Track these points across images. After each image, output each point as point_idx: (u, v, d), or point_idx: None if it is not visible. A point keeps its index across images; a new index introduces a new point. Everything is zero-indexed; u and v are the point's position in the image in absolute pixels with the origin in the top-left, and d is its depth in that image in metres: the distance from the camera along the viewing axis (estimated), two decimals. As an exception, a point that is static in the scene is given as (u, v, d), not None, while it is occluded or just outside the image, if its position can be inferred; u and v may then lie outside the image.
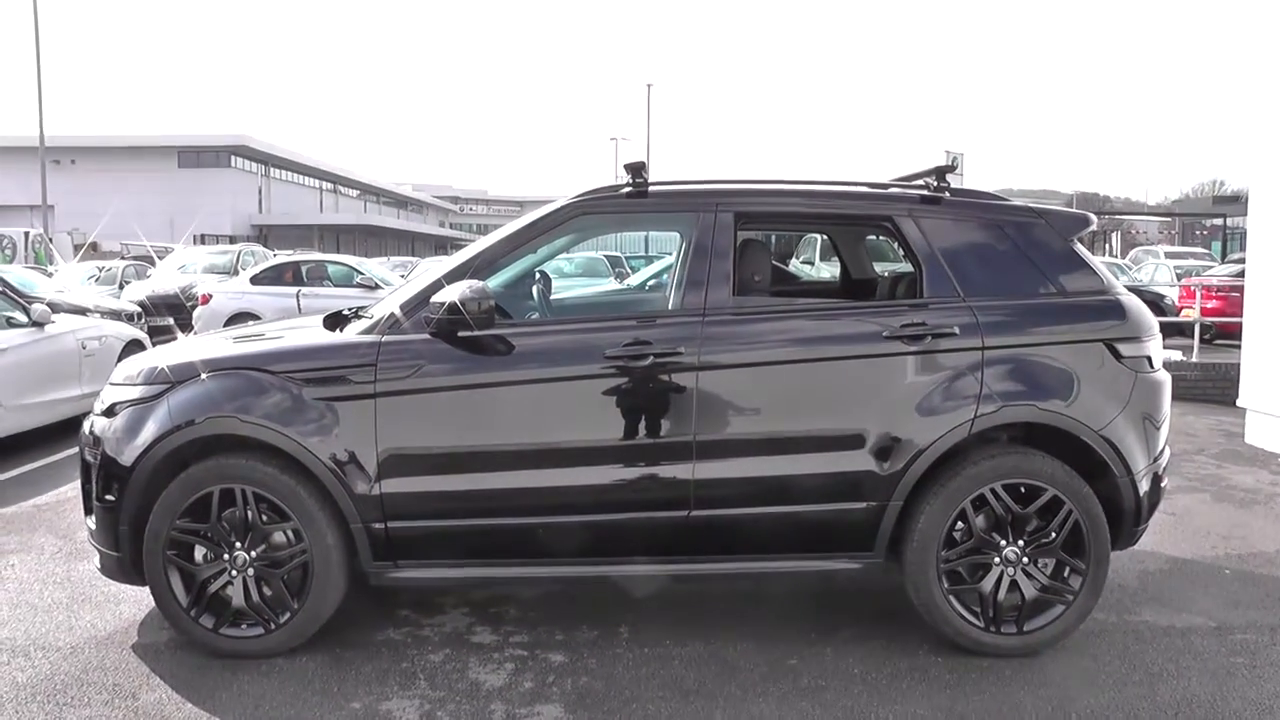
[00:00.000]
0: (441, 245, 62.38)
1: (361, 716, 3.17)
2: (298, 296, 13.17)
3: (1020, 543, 3.55)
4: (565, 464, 3.53)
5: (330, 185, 64.32)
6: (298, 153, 57.13)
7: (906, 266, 3.90)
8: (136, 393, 3.66)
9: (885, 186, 3.96)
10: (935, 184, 3.80)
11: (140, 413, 3.60)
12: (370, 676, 3.45)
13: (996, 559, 3.56)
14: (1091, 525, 3.54)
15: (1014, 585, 3.56)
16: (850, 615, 4.02)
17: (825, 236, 4.41)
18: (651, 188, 3.77)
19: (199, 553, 3.61)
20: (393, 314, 3.64)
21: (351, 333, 3.70)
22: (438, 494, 3.53)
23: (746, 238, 3.83)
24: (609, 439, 3.52)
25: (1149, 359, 3.69)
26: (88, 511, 3.83)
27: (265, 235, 44.69)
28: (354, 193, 68.62)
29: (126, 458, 3.56)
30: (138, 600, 4.15)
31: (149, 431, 3.55)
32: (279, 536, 3.55)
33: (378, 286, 13.55)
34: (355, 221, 59.07)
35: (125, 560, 3.62)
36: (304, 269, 14.45)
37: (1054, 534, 3.54)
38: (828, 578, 4.11)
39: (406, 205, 78.91)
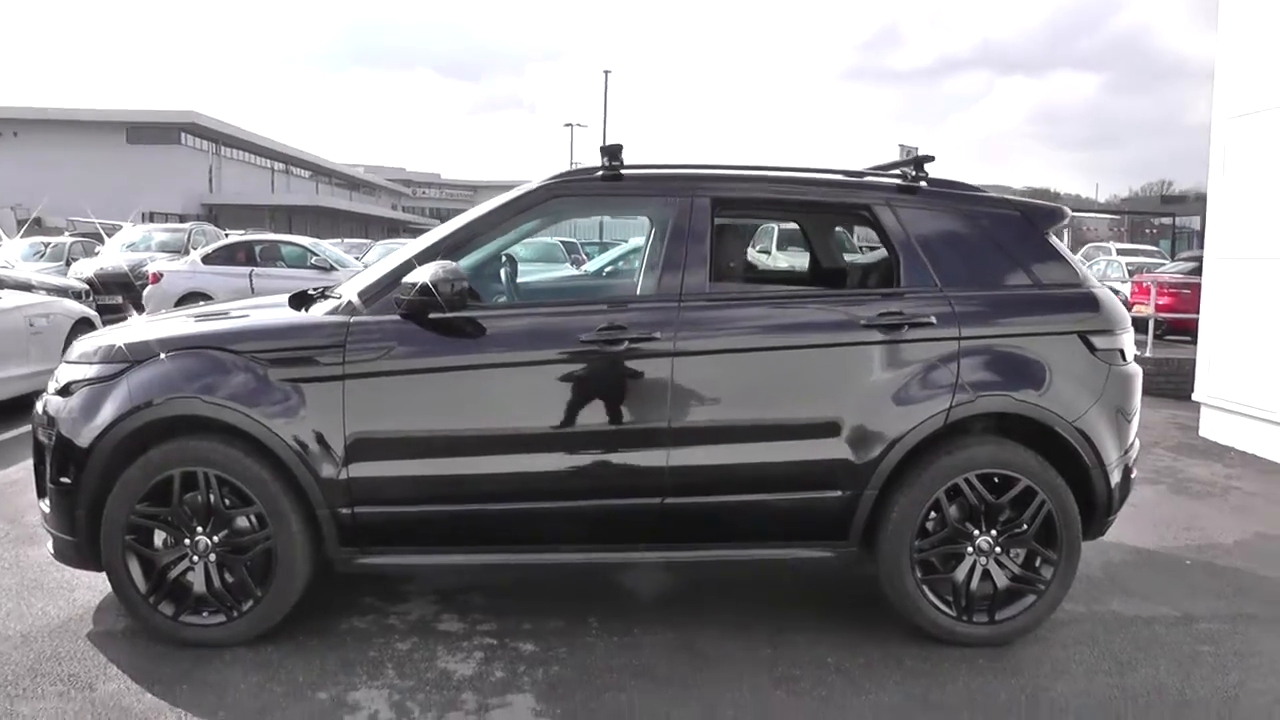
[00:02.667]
0: (394, 228, 61.54)
1: (329, 707, 3.09)
2: (250, 277, 12.92)
3: (993, 532, 3.56)
4: (537, 449, 3.47)
5: (282, 165, 63.16)
6: (249, 131, 56.00)
7: (870, 257, 3.90)
8: (93, 371, 3.53)
9: (862, 175, 3.94)
10: (913, 174, 3.78)
11: (98, 392, 3.47)
12: (336, 666, 3.36)
13: (969, 549, 3.57)
14: (1063, 516, 3.56)
15: (986, 575, 3.58)
16: (820, 605, 4.02)
17: (782, 225, 4.34)
18: (626, 171, 3.71)
19: (159, 538, 3.49)
20: (361, 294, 3.54)
21: (318, 313, 3.60)
22: (407, 479, 3.45)
23: (722, 224, 3.79)
24: (582, 424, 3.47)
25: (1121, 351, 3.72)
26: (41, 494, 3.69)
27: (215, 215, 43.73)
28: (306, 173, 67.47)
29: (84, 439, 3.43)
30: (92, 586, 4.01)
31: (107, 412, 3.41)
32: (242, 521, 3.45)
33: (333, 268, 13.33)
34: (307, 203, 58.07)
35: (82, 545, 3.50)
36: (257, 249, 14.16)
37: (1026, 524, 3.56)
38: (797, 567, 4.09)
39: (359, 187, 77.80)
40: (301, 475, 3.39)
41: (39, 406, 3.73)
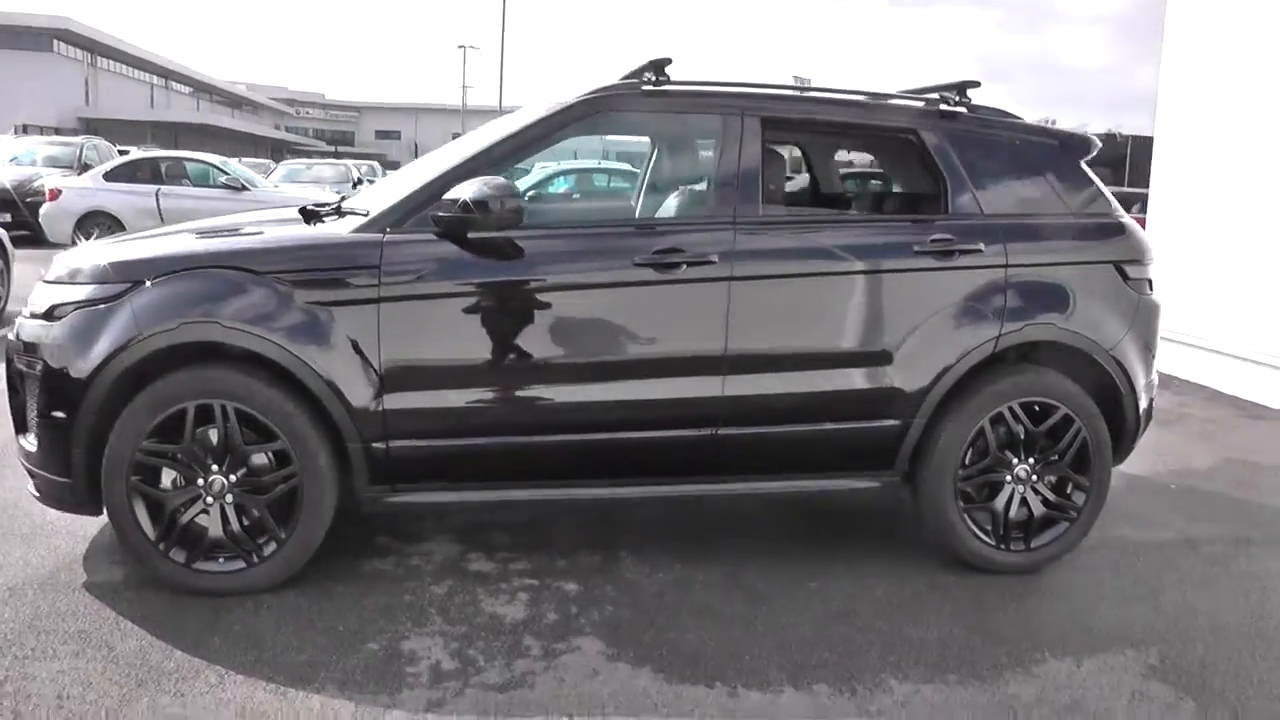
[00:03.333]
0: (278, 149, 58.63)
1: (384, 659, 2.89)
2: (157, 196, 12.07)
3: (1030, 460, 3.58)
4: (586, 379, 3.30)
5: (161, 80, 59.22)
6: (126, 41, 52.16)
7: (880, 185, 3.81)
8: (84, 293, 3.16)
9: (906, 97, 3.81)
10: (955, 98, 3.68)
11: (94, 316, 3.11)
12: (374, 612, 3.16)
13: (1008, 477, 3.58)
14: (1097, 443, 3.60)
15: (1023, 503, 3.61)
16: (842, 536, 4.00)
17: (803, 149, 4.19)
18: (671, 87, 3.49)
19: (167, 478, 3.19)
20: (391, 210, 3.26)
21: (342, 230, 3.30)
22: (446, 410, 3.23)
23: (771, 145, 3.62)
24: (634, 352, 3.31)
25: (1149, 281, 3.75)
26: (20, 430, 3.33)
27: (93, 130, 40.80)
28: (187, 89, 63.43)
29: (80, 369, 3.08)
30: (72, 532, 3.68)
31: (109, 338, 3.07)
32: (263, 458, 3.18)
33: (244, 188, 12.58)
34: (188, 120, 54.71)
35: (77, 487, 3.17)
36: (162, 166, 13.20)
37: (1063, 452, 3.59)
38: (816, 498, 4.05)
39: (241, 105, 73.57)
40: (333, 407, 3.14)
41: (13, 332, 3.35)
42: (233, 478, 3.17)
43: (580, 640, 3.04)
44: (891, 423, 3.46)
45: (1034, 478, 3.59)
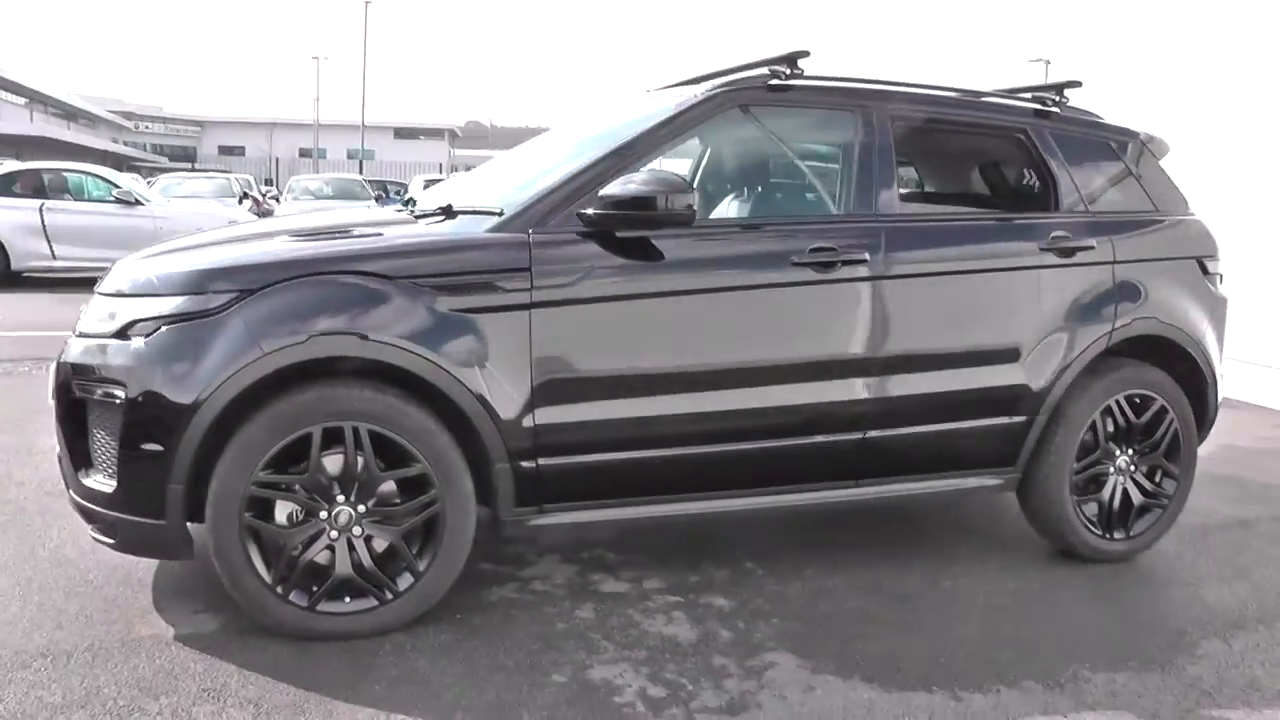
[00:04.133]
0: (118, 164, 53.91)
1: (580, 689, 2.62)
2: (41, 211, 10.81)
3: (1129, 451, 3.69)
4: (743, 384, 3.12)
5: (-11, 89, 53.17)
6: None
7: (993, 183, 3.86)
8: (173, 305, 2.71)
9: (1012, 97, 3.84)
10: (1054, 98, 3.76)
11: (193, 332, 2.67)
12: (533, 642, 2.87)
13: (1111, 469, 3.67)
14: (1186, 432, 3.76)
15: (1124, 494, 3.71)
16: (926, 536, 3.99)
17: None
18: (800, 83, 3.38)
19: (282, 512, 2.79)
20: (534, 207, 2.98)
21: (475, 229, 2.99)
22: (598, 423, 2.98)
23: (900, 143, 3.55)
24: (790, 355, 3.17)
25: (1220, 276, 3.95)
26: (81, 467, 2.83)
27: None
28: (20, 100, 57.33)
29: (182, 393, 2.64)
30: (121, 579, 3.18)
31: (221, 357, 2.64)
32: (394, 485, 2.84)
33: (138, 203, 11.46)
34: (22, 132, 49.29)
35: (173, 530, 2.71)
36: (45, 178, 11.78)
37: (1158, 442, 3.72)
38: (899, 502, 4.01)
39: (77, 118, 67.09)
40: (482, 424, 2.83)
41: (72, 356, 2.84)
42: (361, 508, 2.80)
43: (769, 655, 2.86)
44: (1019, 419, 3.48)
45: (1132, 468, 3.70)
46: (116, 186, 11.62)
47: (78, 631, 2.84)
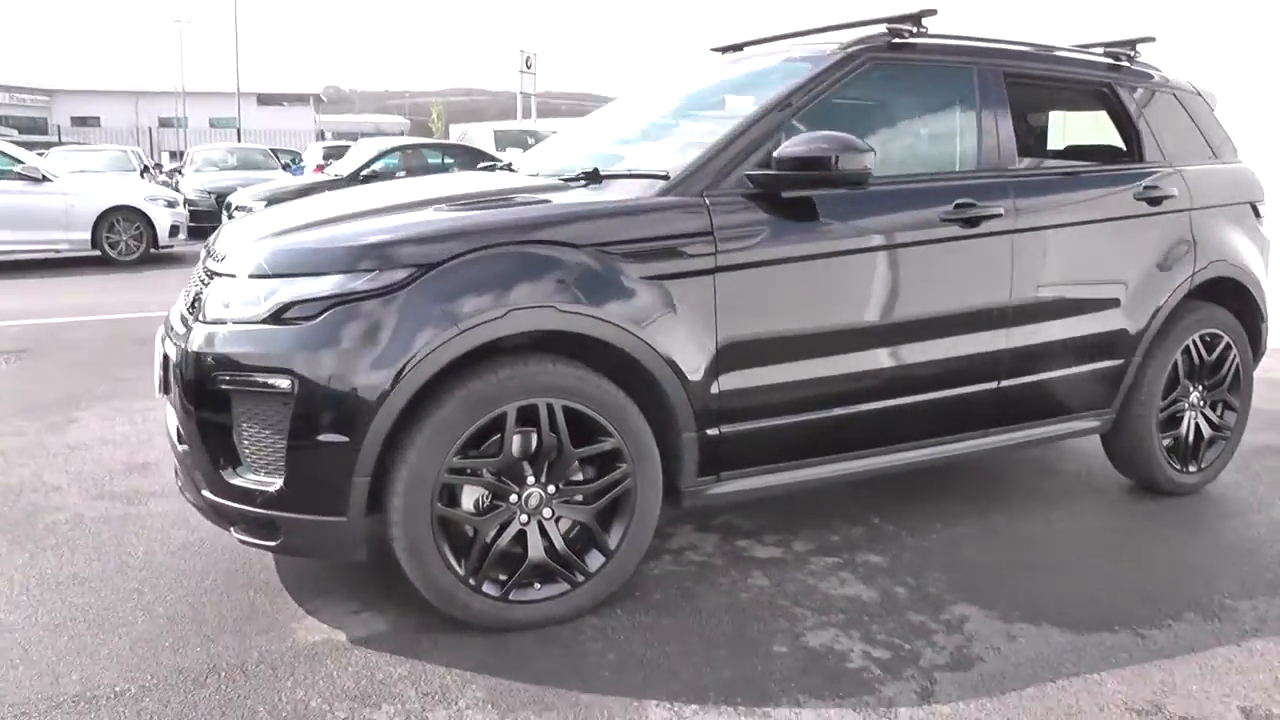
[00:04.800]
0: None
1: (808, 660, 2.58)
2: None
3: (1200, 387, 3.92)
4: (905, 340, 3.13)
5: None
6: None
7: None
8: (338, 284, 2.48)
9: (1091, 54, 3.92)
10: (1129, 54, 3.88)
11: (373, 311, 2.46)
12: (728, 615, 2.82)
13: (1186, 405, 3.89)
14: (1245, 367, 4.01)
15: (1196, 427, 3.94)
16: (1001, 478, 4.14)
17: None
18: (932, 40, 3.36)
19: (469, 498, 2.62)
20: (702, 170, 2.86)
21: (647, 193, 2.85)
22: (776, 386, 2.93)
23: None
24: (946, 308, 3.20)
25: (1263, 219, 4.20)
26: (237, 466, 2.57)
27: None
28: None
29: (371, 377, 2.43)
30: (239, 581, 2.93)
31: (412, 337, 2.44)
32: (587, 461, 2.71)
33: (45, 179, 10.41)
34: None
35: (355, 526, 2.51)
36: None
37: (1224, 379, 3.96)
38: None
39: None
40: (674, 393, 2.73)
41: (196, 345, 2.57)
42: (551, 489, 2.66)
43: (956, 609, 2.90)
44: (1118, 362, 3.62)
45: (1202, 403, 3.93)
46: (19, 162, 10.48)
47: (235, 644, 2.60)
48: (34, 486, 3.80)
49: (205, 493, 2.66)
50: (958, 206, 3.16)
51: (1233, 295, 3.95)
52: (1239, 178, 4.05)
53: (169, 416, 2.93)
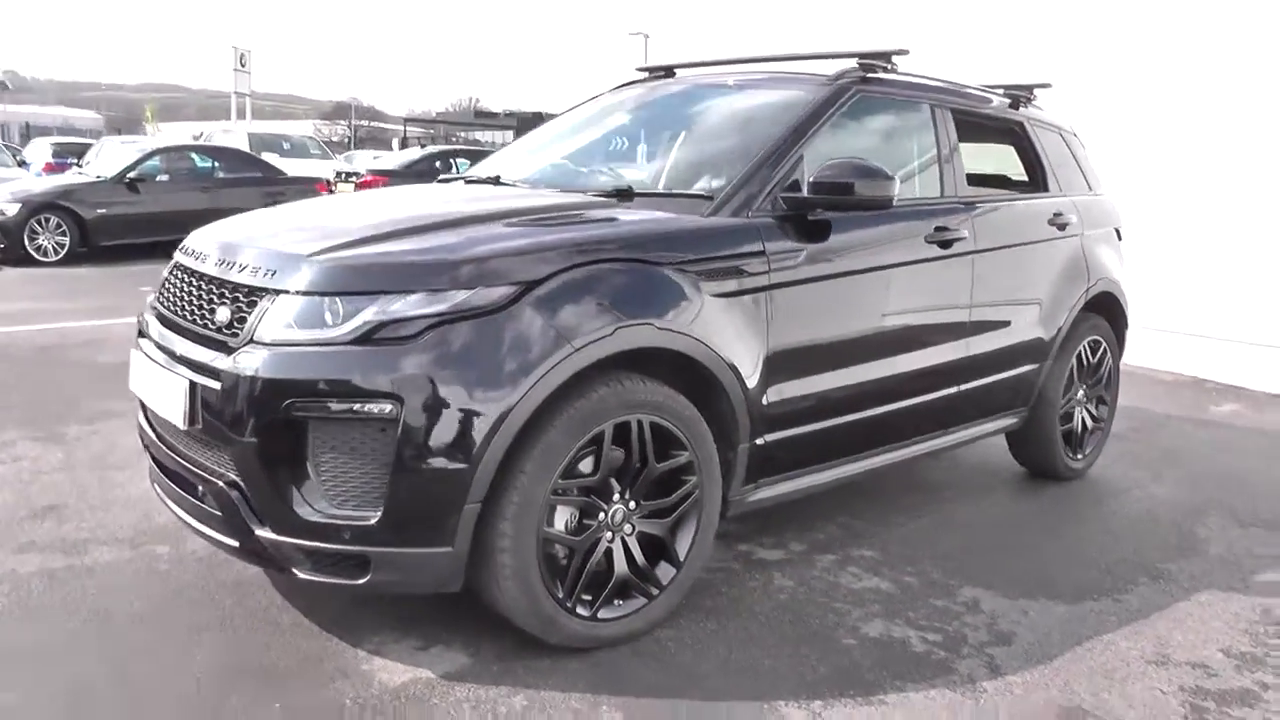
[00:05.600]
0: None
1: (878, 649, 2.80)
2: None
3: (1085, 386, 4.54)
4: (905, 349, 3.45)
5: None
6: None
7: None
8: (440, 302, 2.39)
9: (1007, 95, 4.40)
10: (1029, 97, 4.43)
11: (481, 330, 2.40)
12: (781, 615, 2.97)
13: (1075, 401, 4.50)
14: (1116, 367, 4.70)
15: (1082, 420, 4.56)
16: (931, 478, 4.59)
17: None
18: (901, 76, 3.68)
19: (560, 518, 2.61)
20: (741, 192, 3.01)
21: (698, 213, 2.95)
22: (810, 395, 3.12)
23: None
24: (933, 320, 3.55)
25: (1123, 240, 4.91)
26: (316, 500, 2.41)
27: None
28: None
29: (488, 400, 2.38)
30: (268, 625, 2.74)
31: (525, 355, 2.41)
32: (662, 474, 2.77)
33: None
34: None
35: (460, 555, 2.44)
36: None
37: (1102, 377, 4.61)
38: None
39: None
40: (738, 406, 2.86)
41: (261, 370, 2.39)
42: (632, 504, 2.71)
43: (967, 591, 3.22)
44: (1036, 366, 4.14)
45: (1086, 399, 4.56)
46: None
47: (322, 693, 2.44)
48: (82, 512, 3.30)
49: (263, 533, 2.46)
50: (936, 229, 3.52)
51: (1108, 306, 4.61)
52: (1108, 206, 4.74)
53: (168, 452, 2.70)
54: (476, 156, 17.09)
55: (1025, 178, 4.41)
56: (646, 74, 4.37)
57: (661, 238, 2.78)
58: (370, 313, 2.38)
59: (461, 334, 2.38)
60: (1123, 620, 3.08)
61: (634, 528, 2.72)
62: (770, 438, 3.01)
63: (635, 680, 2.55)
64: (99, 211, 11.22)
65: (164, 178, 12.07)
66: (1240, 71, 6.79)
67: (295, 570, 2.48)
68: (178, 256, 2.99)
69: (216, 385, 2.47)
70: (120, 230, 11.40)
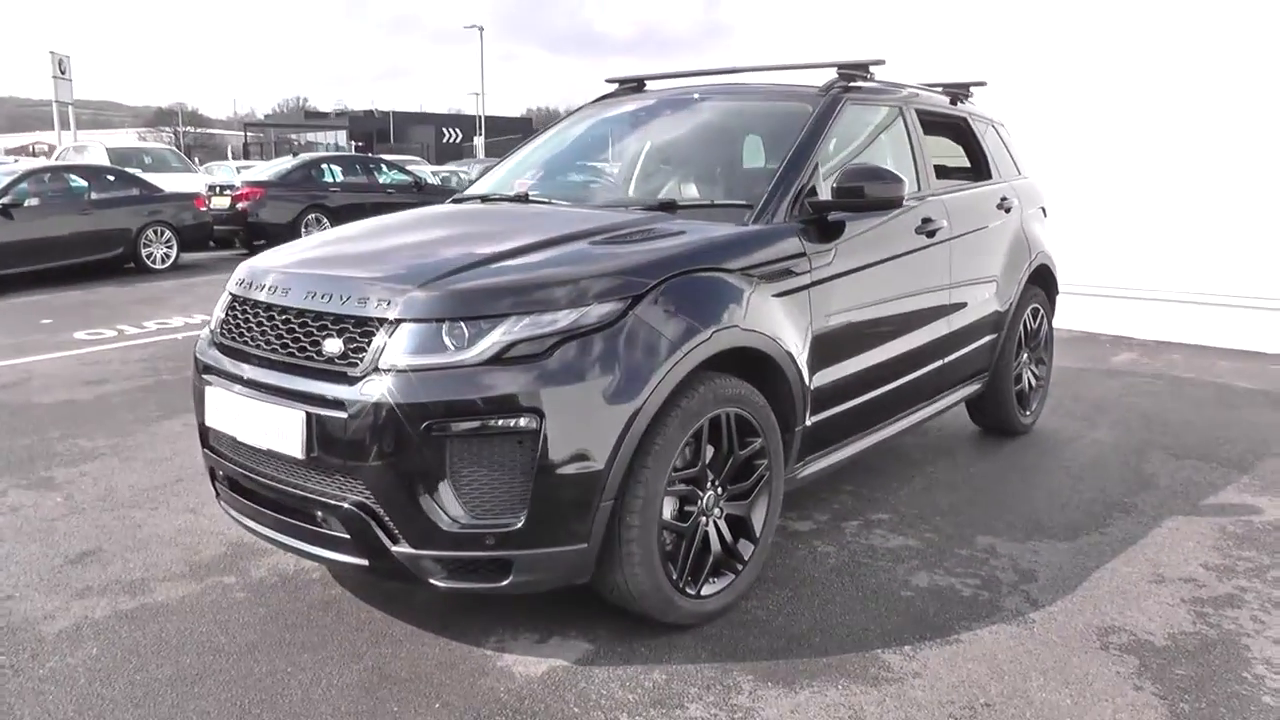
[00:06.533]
0: None
1: (933, 596, 3.19)
2: None
3: (1029, 348, 5.10)
4: (912, 329, 3.87)
5: None
6: None
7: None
8: (563, 319, 2.61)
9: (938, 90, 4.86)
10: (965, 94, 4.91)
11: (605, 343, 2.63)
12: (838, 579, 3.33)
13: (1022, 364, 5.04)
14: (1050, 329, 5.28)
15: (1028, 380, 5.12)
16: (898, 447, 5.06)
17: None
18: (878, 84, 4.06)
19: (668, 507, 2.88)
20: (776, 200, 3.32)
21: (742, 221, 3.25)
22: (840, 378, 3.47)
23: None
24: (921, 304, 3.95)
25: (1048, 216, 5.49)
26: (470, 511, 2.59)
27: None
28: None
29: (619, 405, 2.62)
30: (373, 638, 2.90)
31: (645, 362, 2.66)
32: (742, 460, 3.07)
33: None
34: None
35: (592, 550, 2.69)
36: None
37: (1042, 341, 5.19)
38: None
39: None
40: (797, 394, 3.19)
41: (398, 396, 2.54)
42: (721, 489, 3.01)
43: (980, 540, 3.67)
44: (995, 336, 4.64)
45: (1029, 361, 5.12)
46: None
47: (478, 691, 2.63)
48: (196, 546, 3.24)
49: (400, 549, 2.62)
50: (923, 221, 3.93)
51: (1045, 277, 5.17)
52: (1036, 188, 5.30)
53: (265, 482, 2.83)
54: (349, 165, 16.82)
55: (965, 166, 4.89)
56: (617, 85, 4.61)
57: (725, 246, 3.06)
58: (499, 334, 2.56)
59: (586, 347, 2.60)
60: (1115, 550, 3.59)
61: (722, 510, 3.01)
62: (815, 419, 3.35)
63: (748, 647, 2.85)
64: (-28, 242, 10.53)
65: (34, 201, 11.39)
66: (1104, 64, 7.60)
67: (433, 581, 2.65)
68: (240, 290, 3.05)
69: (341, 414, 2.60)
70: (1, 260, 10.71)
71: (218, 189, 14.83)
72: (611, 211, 3.48)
